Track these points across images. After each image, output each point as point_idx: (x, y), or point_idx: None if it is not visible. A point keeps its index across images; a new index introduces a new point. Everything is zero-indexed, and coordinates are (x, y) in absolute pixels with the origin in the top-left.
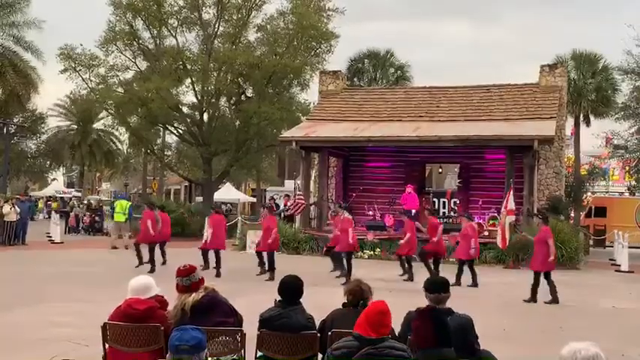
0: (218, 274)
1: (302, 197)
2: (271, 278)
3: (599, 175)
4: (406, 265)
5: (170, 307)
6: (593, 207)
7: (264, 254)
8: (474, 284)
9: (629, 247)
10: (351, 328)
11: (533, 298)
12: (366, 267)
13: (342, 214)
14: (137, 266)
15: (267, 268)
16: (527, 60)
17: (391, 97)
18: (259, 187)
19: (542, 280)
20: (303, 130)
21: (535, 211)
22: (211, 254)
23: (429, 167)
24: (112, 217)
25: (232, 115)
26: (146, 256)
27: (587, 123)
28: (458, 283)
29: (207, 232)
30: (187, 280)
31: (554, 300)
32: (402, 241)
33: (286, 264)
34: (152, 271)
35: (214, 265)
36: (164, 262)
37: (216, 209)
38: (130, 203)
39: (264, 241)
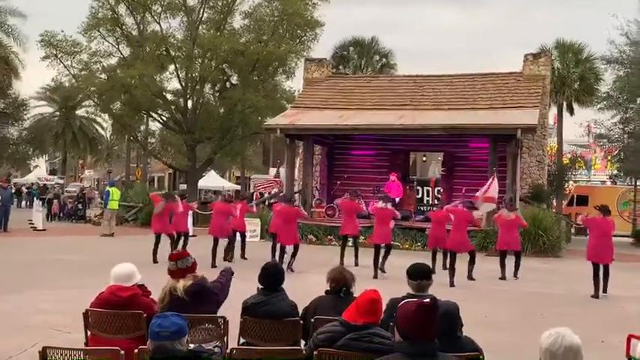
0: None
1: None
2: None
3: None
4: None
5: (153, 295)
6: (575, 195)
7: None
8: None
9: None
10: (334, 315)
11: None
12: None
13: (385, 205)
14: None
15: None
16: (516, 46)
17: (376, 85)
18: (244, 174)
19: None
20: (288, 118)
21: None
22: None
23: (413, 155)
24: (107, 204)
25: (217, 102)
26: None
27: (571, 112)
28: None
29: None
30: (182, 263)
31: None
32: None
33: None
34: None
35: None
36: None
37: (224, 198)
38: (121, 191)
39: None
